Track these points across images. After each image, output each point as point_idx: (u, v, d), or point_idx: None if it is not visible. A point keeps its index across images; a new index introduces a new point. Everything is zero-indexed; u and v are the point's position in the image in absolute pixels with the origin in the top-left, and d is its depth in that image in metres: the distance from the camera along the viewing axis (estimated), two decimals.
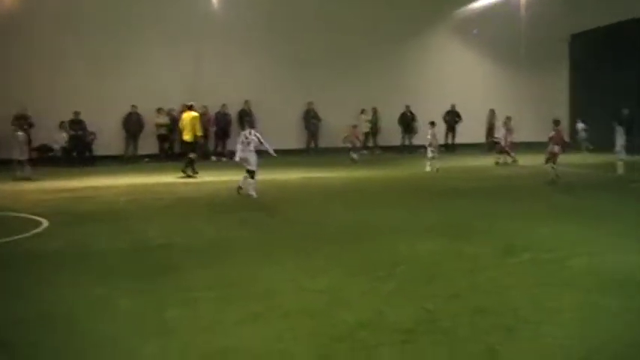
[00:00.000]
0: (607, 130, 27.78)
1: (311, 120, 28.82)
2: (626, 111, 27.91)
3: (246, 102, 27.05)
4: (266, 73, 28.01)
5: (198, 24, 26.33)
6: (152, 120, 26.03)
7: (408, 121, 30.39)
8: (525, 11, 31.93)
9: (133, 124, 25.71)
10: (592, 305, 6.59)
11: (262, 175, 16.56)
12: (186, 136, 20.15)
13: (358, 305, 6.66)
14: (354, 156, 24.95)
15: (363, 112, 29.60)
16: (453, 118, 31.00)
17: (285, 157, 24.40)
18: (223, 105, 26.53)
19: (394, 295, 6.98)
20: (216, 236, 10.50)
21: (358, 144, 26.59)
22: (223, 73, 27.02)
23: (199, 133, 20.38)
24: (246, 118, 15.84)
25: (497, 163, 23.80)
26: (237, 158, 15.42)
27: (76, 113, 24.17)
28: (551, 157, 17.46)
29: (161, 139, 26.33)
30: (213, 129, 26.60)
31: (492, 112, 31.35)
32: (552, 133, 17.89)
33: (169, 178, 19.21)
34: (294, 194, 16.07)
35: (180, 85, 26.09)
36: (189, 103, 20.83)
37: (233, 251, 9.32)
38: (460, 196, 15.59)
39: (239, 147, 15.28)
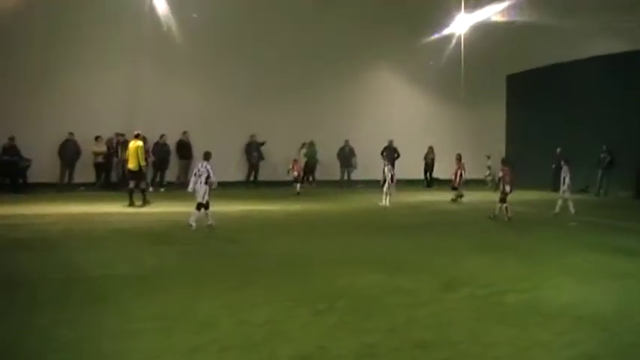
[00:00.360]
0: (542, 167, 28.57)
1: (252, 153, 28.63)
2: (559, 150, 28.75)
3: (184, 133, 26.86)
4: (207, 104, 27.81)
5: (138, 53, 26.12)
6: (90, 147, 25.39)
7: (346, 156, 30.50)
8: (465, 50, 32.63)
9: (69, 152, 25.04)
10: (528, 340, 6.69)
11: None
12: (131, 165, 20.06)
13: (299, 339, 6.62)
14: (298, 188, 25.03)
15: (303, 145, 29.61)
16: (391, 153, 31.21)
17: (226, 189, 24.25)
18: (162, 135, 26.21)
19: (335, 329, 6.95)
20: (155, 267, 10.31)
21: (300, 177, 26.67)
22: (162, 103, 26.72)
23: (143, 163, 20.23)
24: (206, 151, 16.05)
25: (453, 200, 23.87)
26: (189, 189, 15.32)
27: (11, 139, 23.49)
28: (505, 197, 17.69)
29: (98, 167, 25.80)
30: (151, 159, 26.24)
31: (431, 149, 31.93)
32: (501, 173, 18.09)
33: (106, 208, 18.82)
34: (235, 226, 15.86)
35: (118, 113, 25.78)
36: (136, 132, 20.65)
37: (172, 282, 9.17)
38: (400, 230, 15.75)
39: (192, 179, 15.29)
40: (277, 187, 27.07)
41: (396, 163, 30.61)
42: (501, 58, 33.36)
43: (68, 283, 8.99)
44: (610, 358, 6.35)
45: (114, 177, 26.03)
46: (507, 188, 17.62)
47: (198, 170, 15.22)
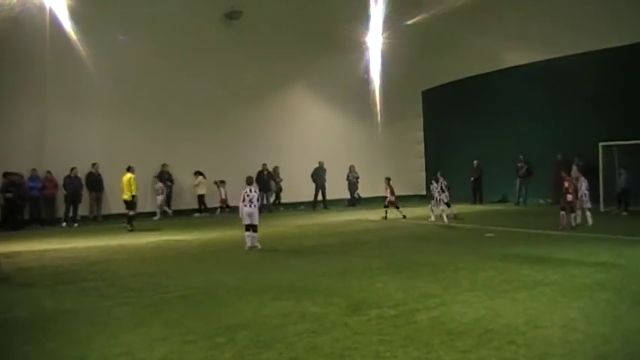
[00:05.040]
0: (462, 180, 28.83)
1: (165, 182, 27.95)
2: (476, 162, 29.16)
3: (94, 165, 26.07)
4: (116, 135, 27.09)
5: (45, 89, 25.20)
6: None
7: (265, 180, 30.11)
8: (380, 68, 32.87)
9: None
10: None
11: (113, 241, 16.22)
12: (125, 196, 21.84)
13: None
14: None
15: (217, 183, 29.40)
16: (322, 175, 31.19)
17: (139, 221, 23.58)
18: (73, 169, 25.36)
19: None
20: (53, 308, 9.73)
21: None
22: (71, 137, 25.96)
23: (135, 193, 21.91)
24: (248, 176, 17.04)
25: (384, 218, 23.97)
26: (241, 215, 16.03)
27: None
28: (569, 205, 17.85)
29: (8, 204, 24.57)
30: (63, 193, 25.40)
31: (352, 167, 32.04)
32: (566, 184, 17.92)
33: (13, 247, 18.02)
34: (143, 259, 15.29)
35: (26, 148, 24.89)
36: (128, 166, 22.16)
37: (68, 324, 8.64)
38: (315, 252, 15.50)
39: (242, 203, 15.95)
40: (191, 216, 27.31)
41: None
42: (416, 74, 33.77)
43: None
44: None
45: (27, 215, 25.06)
46: (569, 197, 17.73)
47: (248, 195, 15.88)
